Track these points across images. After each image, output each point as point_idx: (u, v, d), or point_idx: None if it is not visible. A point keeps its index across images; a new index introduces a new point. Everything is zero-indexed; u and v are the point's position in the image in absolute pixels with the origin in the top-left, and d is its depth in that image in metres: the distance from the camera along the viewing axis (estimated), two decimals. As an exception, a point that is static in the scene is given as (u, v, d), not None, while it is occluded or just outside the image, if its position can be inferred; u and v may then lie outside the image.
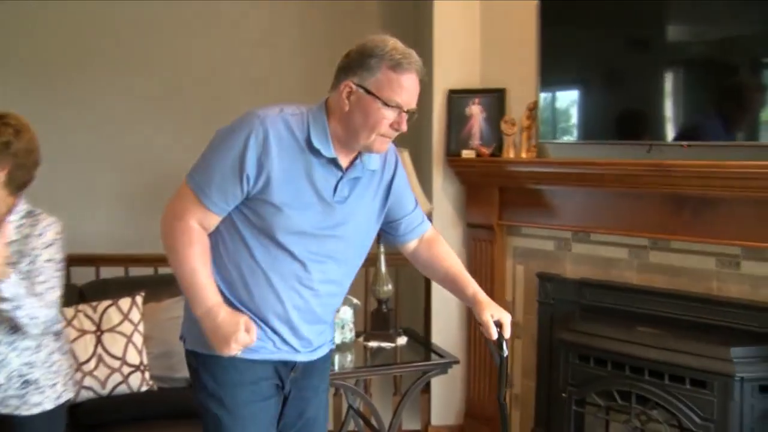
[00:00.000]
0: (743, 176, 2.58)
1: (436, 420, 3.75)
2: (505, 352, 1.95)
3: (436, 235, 2.10)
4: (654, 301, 2.94)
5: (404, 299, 3.74)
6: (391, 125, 1.74)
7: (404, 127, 1.75)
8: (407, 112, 1.74)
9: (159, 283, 3.21)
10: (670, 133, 2.83)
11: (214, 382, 1.84)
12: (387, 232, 2.03)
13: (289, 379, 1.90)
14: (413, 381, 3.16)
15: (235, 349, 1.72)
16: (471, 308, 1.99)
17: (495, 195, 3.44)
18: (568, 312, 3.18)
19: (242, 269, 1.78)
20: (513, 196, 3.41)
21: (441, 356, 3.16)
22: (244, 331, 1.71)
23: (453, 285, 2.02)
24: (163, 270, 3.41)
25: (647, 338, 2.79)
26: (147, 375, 2.87)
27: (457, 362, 3.15)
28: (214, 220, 1.77)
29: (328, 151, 1.75)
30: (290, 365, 1.89)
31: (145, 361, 2.88)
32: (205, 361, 1.84)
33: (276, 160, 1.71)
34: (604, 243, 3.15)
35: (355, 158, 1.82)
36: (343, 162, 1.80)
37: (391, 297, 3.24)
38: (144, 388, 2.85)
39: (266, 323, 1.80)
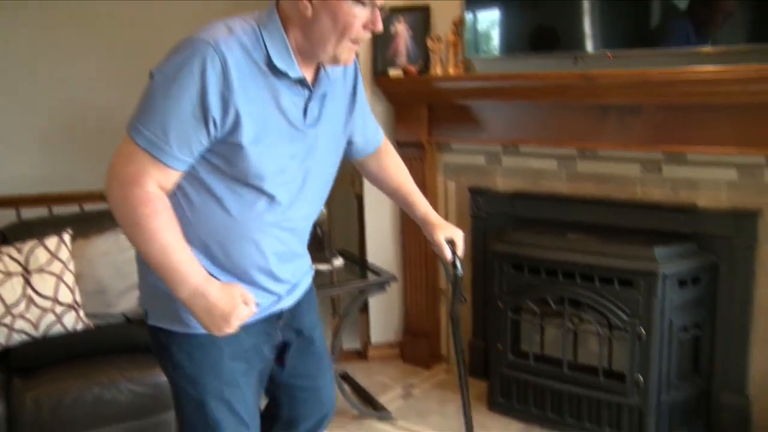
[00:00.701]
0: (665, 83, 2.65)
1: (375, 338, 3.83)
2: (460, 271, 1.92)
3: (387, 146, 1.98)
4: (583, 209, 3.05)
5: (338, 221, 3.75)
6: (364, 26, 1.50)
7: (379, 26, 1.52)
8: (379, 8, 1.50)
9: (86, 220, 3.12)
10: (594, 43, 2.86)
11: (191, 363, 1.65)
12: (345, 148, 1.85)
13: (278, 329, 1.77)
14: (351, 301, 3.21)
15: (236, 327, 1.51)
16: (422, 228, 1.94)
17: (424, 112, 3.44)
18: (500, 225, 3.26)
19: (214, 225, 1.56)
20: (442, 113, 3.41)
21: (378, 275, 3.20)
22: (243, 304, 1.50)
23: (404, 202, 1.97)
24: (89, 207, 3.32)
25: (577, 244, 2.89)
26: (81, 313, 2.81)
27: (394, 279, 3.20)
28: (175, 178, 1.49)
29: (295, 71, 1.52)
30: (275, 316, 1.75)
31: (79, 300, 2.81)
32: (178, 339, 1.65)
33: (240, 93, 1.44)
34: (533, 155, 3.21)
35: (318, 70, 1.60)
36: (309, 78, 1.57)
37: (324, 220, 3.24)
38: (80, 327, 2.79)
39: (248, 280, 1.62)
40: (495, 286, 3.09)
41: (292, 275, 1.74)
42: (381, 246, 3.70)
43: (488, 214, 3.35)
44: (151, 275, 1.59)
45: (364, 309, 3.79)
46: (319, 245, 3.20)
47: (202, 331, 1.60)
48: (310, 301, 1.89)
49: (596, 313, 2.80)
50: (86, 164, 3.51)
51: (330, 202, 3.50)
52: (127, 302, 2.89)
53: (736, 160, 2.69)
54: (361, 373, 3.58)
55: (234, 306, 1.48)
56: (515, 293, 3.01)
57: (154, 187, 1.45)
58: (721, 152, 2.68)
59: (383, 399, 3.31)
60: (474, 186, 3.39)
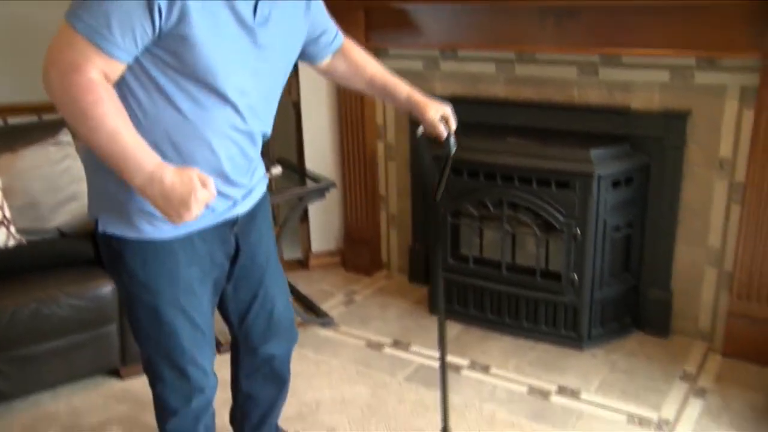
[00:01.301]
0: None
1: (316, 247, 3.84)
2: (453, 149, 1.90)
3: (350, 44, 1.93)
4: (521, 113, 3.07)
5: (275, 130, 3.66)
6: None
7: None
8: None
9: (11, 133, 2.99)
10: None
11: (145, 271, 1.63)
12: (304, 52, 1.81)
13: (232, 235, 1.75)
14: (291, 209, 3.20)
15: (196, 212, 1.41)
16: (409, 111, 1.90)
17: (360, 17, 3.35)
18: (439, 130, 3.25)
19: (166, 126, 1.49)
20: (379, 18, 3.33)
21: (317, 181, 3.19)
22: (201, 187, 1.40)
23: (382, 91, 1.92)
24: (13, 120, 3.17)
25: (516, 148, 2.92)
26: (13, 229, 2.72)
27: (333, 186, 3.19)
28: (118, 70, 1.41)
29: None
30: (231, 222, 1.73)
31: (8, 215, 2.72)
32: (131, 246, 1.61)
33: None
34: (472, 59, 3.19)
35: None
36: None
37: (262, 128, 3.18)
38: (11, 243, 2.71)
39: None
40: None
41: (247, 180, 1.71)
42: (319, 153, 3.67)
43: (427, 120, 3.34)
44: (101, 179, 1.56)
45: (305, 218, 3.79)
46: (256, 154, 3.16)
47: (156, 236, 1.59)
48: (264, 212, 1.87)
49: (534, 214, 2.87)
50: (7, 76, 3.34)
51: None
52: (62, 216, 2.80)
53: (668, 62, 2.73)
54: (303, 282, 3.61)
55: (192, 188, 1.38)
56: (454, 197, 3.05)
57: (97, 74, 1.37)
58: (655, 54, 2.71)
59: (325, 306, 3.36)
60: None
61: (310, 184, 3.20)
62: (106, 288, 2.57)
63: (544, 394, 2.62)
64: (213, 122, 1.53)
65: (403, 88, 1.88)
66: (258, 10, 1.52)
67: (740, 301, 2.74)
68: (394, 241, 3.72)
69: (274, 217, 3.69)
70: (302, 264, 3.87)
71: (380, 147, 3.60)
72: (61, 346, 2.54)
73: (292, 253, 3.89)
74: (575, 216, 2.77)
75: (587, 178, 2.71)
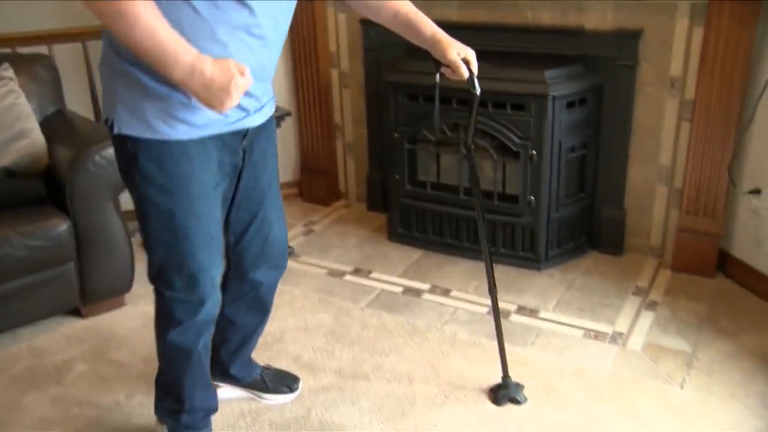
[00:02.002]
0: None
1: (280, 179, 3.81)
2: (478, 90, 1.86)
3: None
4: (475, 36, 3.03)
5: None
6: None
7: None
8: None
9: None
10: None
11: (161, 173, 1.62)
12: None
13: (241, 148, 1.75)
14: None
15: (236, 99, 1.44)
16: (430, 50, 1.84)
17: (309, -60, 3.26)
18: (393, 55, 3.22)
19: (181, 25, 1.46)
20: (328, -60, 3.24)
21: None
22: (239, 74, 1.43)
23: (406, 26, 1.85)
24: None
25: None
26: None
27: (288, 114, 3.16)
28: None
29: None
30: (242, 133, 1.73)
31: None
32: (147, 147, 1.60)
33: None
34: (424, -18, 3.13)
35: None
36: None
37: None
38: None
39: None
40: (390, 117, 3.10)
41: (260, 92, 1.70)
42: (273, 82, 3.59)
43: (381, 45, 3.30)
44: (119, 81, 1.57)
45: (260, 150, 3.74)
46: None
47: (172, 137, 1.59)
48: (270, 134, 1.87)
49: (490, 138, 2.88)
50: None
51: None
52: (9, 156, 2.72)
53: (622, -20, 2.73)
54: (261, 214, 3.59)
55: (231, 76, 1.41)
56: (411, 123, 3.04)
57: None
58: (607, -27, 2.71)
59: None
60: (365, 17, 3.29)
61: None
62: (62, 226, 2.52)
63: (504, 314, 2.68)
64: (228, 23, 1.50)
65: (429, 26, 1.83)
66: None
67: (688, 217, 2.82)
68: (351, 170, 3.71)
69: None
70: (260, 196, 3.84)
71: (334, 74, 3.55)
72: (18, 287, 2.50)
73: (249, 185, 3.86)
74: (531, 138, 2.79)
75: (542, 99, 2.73)
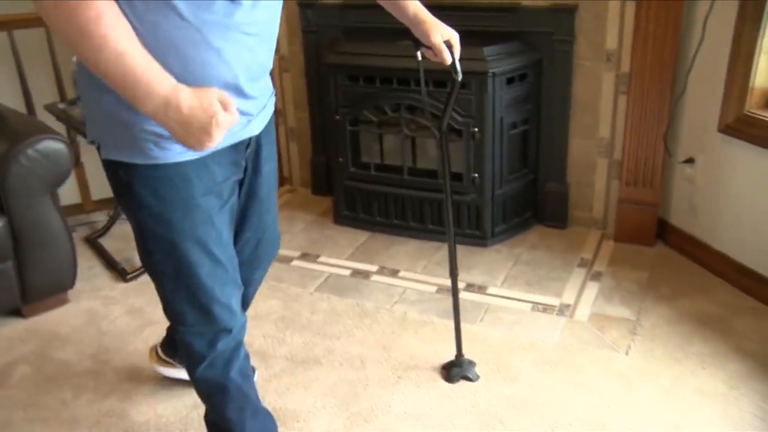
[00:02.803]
0: None
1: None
2: (460, 75, 1.81)
3: None
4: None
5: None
6: None
7: None
8: None
9: None
10: None
11: (158, 201, 1.45)
12: None
13: (244, 159, 1.59)
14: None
15: (218, 139, 1.24)
16: (411, 29, 1.77)
17: None
18: (332, 37, 3.19)
19: (167, 35, 1.28)
20: None
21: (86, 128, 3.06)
22: (223, 110, 1.23)
23: (390, 3, 1.77)
24: None
25: (410, 51, 2.87)
26: None
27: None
28: None
29: None
30: (245, 142, 1.57)
31: None
32: (140, 173, 1.42)
33: None
34: (360, -38, 3.11)
35: None
36: None
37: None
38: None
39: None
40: (331, 99, 3.08)
41: (261, 92, 1.53)
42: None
43: (319, 27, 3.26)
44: (103, 99, 1.38)
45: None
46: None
47: (167, 160, 1.41)
48: (270, 131, 1.71)
49: (432, 116, 2.89)
50: None
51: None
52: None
53: (555, -45, 2.75)
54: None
55: (213, 112, 1.22)
56: (352, 104, 3.02)
57: None
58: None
59: (231, 224, 3.32)
60: (302, 0, 3.27)
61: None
62: (-4, 224, 2.44)
63: (452, 292, 2.72)
64: (219, 25, 1.33)
65: (413, 4, 1.76)
66: None
67: (628, 188, 2.88)
68: (294, 154, 3.68)
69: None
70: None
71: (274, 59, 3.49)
72: (-47, 289, 2.42)
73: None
74: (472, 115, 2.81)
75: (482, 76, 2.74)
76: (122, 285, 2.87)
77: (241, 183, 1.65)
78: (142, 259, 1.59)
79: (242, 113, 1.47)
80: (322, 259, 3.02)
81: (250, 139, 1.58)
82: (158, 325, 2.55)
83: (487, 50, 2.75)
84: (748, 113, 2.47)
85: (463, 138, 2.85)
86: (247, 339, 2.48)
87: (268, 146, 1.68)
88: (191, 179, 1.45)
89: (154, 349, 2.27)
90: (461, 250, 2.99)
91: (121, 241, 3.19)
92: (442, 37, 1.75)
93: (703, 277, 2.73)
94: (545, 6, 2.83)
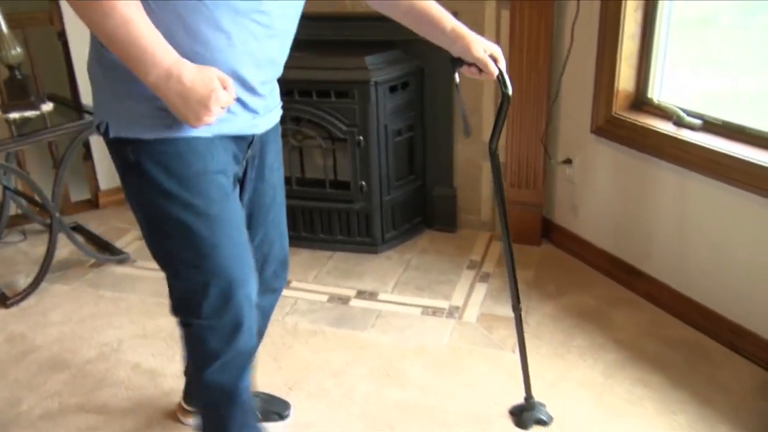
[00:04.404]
0: None
1: (105, 185, 3.66)
2: (509, 89, 1.67)
3: None
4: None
5: (41, 63, 3.40)
6: None
7: None
8: None
9: None
10: None
11: (170, 177, 1.38)
12: None
13: (244, 158, 1.54)
14: (70, 145, 3.00)
15: (215, 115, 1.28)
16: (449, 47, 1.65)
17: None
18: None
19: (178, 10, 1.28)
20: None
21: (93, 114, 3.00)
22: (221, 88, 1.27)
23: (423, 19, 1.64)
24: None
25: (292, 62, 2.85)
26: None
27: (111, 118, 3.03)
28: None
29: None
30: (248, 140, 1.52)
31: None
32: (150, 149, 1.37)
33: None
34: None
35: None
36: None
37: (22, 61, 2.93)
38: None
39: None
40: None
41: (268, 92, 1.51)
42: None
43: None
44: (111, 75, 1.35)
45: (88, 156, 3.58)
46: (21, 91, 2.92)
47: (178, 134, 1.37)
48: (276, 140, 1.67)
49: (318, 127, 2.90)
50: None
51: (26, 43, 3.17)
52: None
53: (431, -35, 2.81)
54: (95, 222, 3.45)
55: (212, 88, 1.25)
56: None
57: None
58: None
59: (120, 243, 3.24)
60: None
61: (87, 117, 3.02)
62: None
63: (344, 300, 2.72)
64: (231, 8, 1.31)
65: (449, 19, 1.64)
66: None
67: (513, 190, 2.97)
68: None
69: (54, 157, 3.47)
70: (93, 204, 3.68)
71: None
72: None
73: (81, 194, 3.69)
74: (357, 124, 2.83)
75: (364, 85, 2.77)
76: (2, 311, 2.75)
77: (242, 189, 1.59)
78: (152, 247, 1.51)
79: (247, 108, 1.45)
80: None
81: (253, 137, 1.53)
82: (41, 352, 2.47)
83: (369, 59, 2.79)
84: (615, 115, 2.58)
85: (348, 147, 2.87)
86: (135, 359, 2.44)
87: (273, 154, 1.65)
88: (203, 154, 1.40)
89: (179, 405, 2.13)
90: (353, 258, 3.01)
91: (1, 265, 3.08)
92: (486, 50, 1.63)
93: (585, 272, 2.84)
94: (425, 15, 2.88)
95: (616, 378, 2.24)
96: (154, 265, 2.98)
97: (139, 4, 1.23)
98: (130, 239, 3.30)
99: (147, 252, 3.17)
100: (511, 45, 2.76)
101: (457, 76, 1.72)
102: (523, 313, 2.56)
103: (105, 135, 1.42)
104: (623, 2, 2.45)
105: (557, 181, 2.97)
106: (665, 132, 2.44)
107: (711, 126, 2.37)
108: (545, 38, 2.70)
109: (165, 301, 2.73)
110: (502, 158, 3.00)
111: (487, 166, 3.04)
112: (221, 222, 1.44)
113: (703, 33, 2.65)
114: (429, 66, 2.94)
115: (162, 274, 2.93)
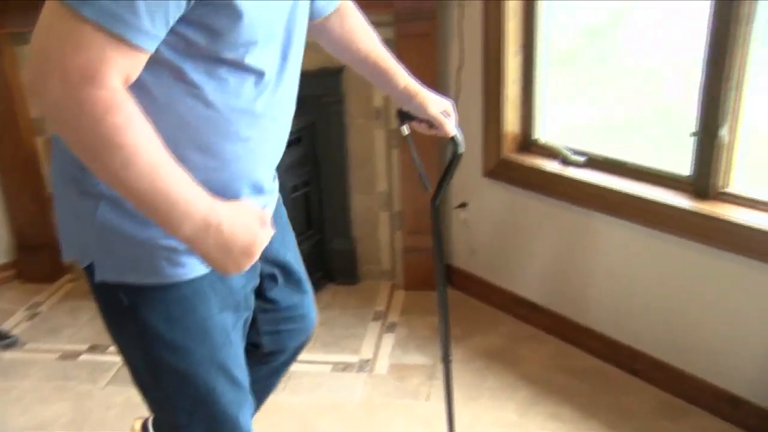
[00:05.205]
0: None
1: (-16, 263, 3.45)
2: (462, 147, 1.64)
3: (351, 7, 1.56)
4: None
5: None
6: None
7: None
8: None
9: None
10: None
11: (171, 326, 1.23)
12: None
13: (260, 259, 1.37)
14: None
15: (256, 258, 1.12)
16: (401, 103, 1.60)
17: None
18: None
19: (191, 126, 1.12)
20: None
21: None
22: (262, 227, 1.11)
23: (376, 72, 1.58)
24: None
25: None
26: None
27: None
28: (142, 64, 1.01)
29: None
30: None
31: None
32: (150, 296, 1.21)
33: None
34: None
35: None
36: None
37: None
38: None
39: (230, 197, 1.17)
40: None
41: (273, 183, 1.39)
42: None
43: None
44: (99, 210, 1.16)
45: (-37, 235, 3.37)
46: None
47: (182, 277, 1.21)
48: (280, 216, 1.54)
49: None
50: None
51: None
52: None
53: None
54: (-25, 305, 3.24)
55: (255, 233, 1.09)
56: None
57: (119, 83, 0.97)
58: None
59: (6, 326, 3.04)
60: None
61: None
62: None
63: (252, 363, 2.66)
64: (249, 112, 1.17)
65: (402, 76, 1.58)
66: None
67: (411, 237, 3.01)
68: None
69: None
70: (-29, 285, 3.46)
71: (39, 143, 3.29)
72: None
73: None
74: (252, 184, 2.80)
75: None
76: None
77: (262, 281, 1.45)
78: (146, 396, 1.36)
79: (259, 192, 1.31)
80: (112, 349, 2.84)
81: None
82: None
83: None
84: (505, 158, 2.68)
85: (245, 207, 2.83)
86: (26, 454, 2.28)
87: (281, 234, 1.49)
88: (208, 295, 1.25)
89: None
90: (258, 319, 2.95)
91: None
92: (440, 108, 1.60)
93: (488, 313, 2.90)
94: (313, 69, 2.89)
95: (529, 415, 2.28)
96: (48, 345, 2.89)
97: (157, 137, 1.02)
98: (17, 320, 3.11)
99: (38, 332, 3.04)
100: (398, 96, 2.82)
101: (405, 129, 1.69)
102: (433, 360, 2.59)
103: (88, 276, 1.24)
104: (504, 47, 2.56)
105: (454, 226, 3.03)
106: (552, 171, 2.55)
107: (594, 162, 2.49)
108: (431, 86, 2.76)
109: (63, 384, 2.61)
110: (397, 207, 3.04)
111: (384, 216, 3.07)
112: (224, 368, 1.32)
113: (570, 69, 2.80)
114: (321, 120, 2.96)
115: (55, 356, 2.79)
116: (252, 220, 1.10)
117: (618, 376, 2.45)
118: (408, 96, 1.58)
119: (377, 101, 2.91)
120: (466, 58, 2.71)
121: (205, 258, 1.09)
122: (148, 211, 1.03)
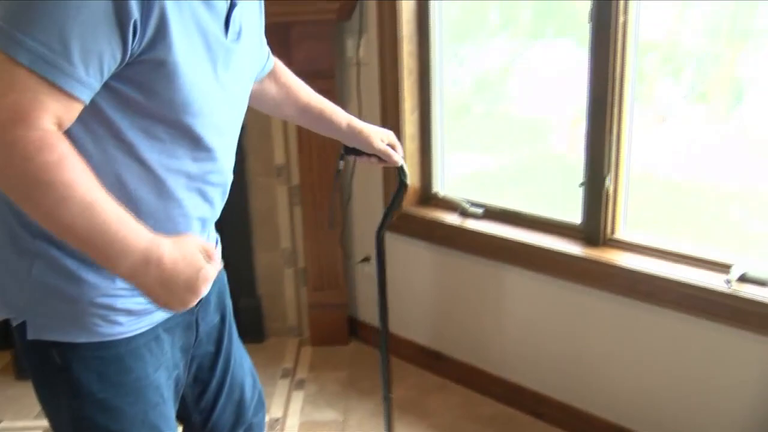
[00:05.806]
0: None
1: None
2: (408, 178, 1.72)
3: (281, 65, 1.58)
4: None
5: None
6: None
7: None
8: None
9: None
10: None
11: (104, 385, 1.18)
12: None
13: (194, 318, 1.35)
14: None
15: (203, 295, 1.06)
16: (347, 141, 1.62)
17: None
18: None
19: (125, 185, 1.10)
20: None
21: None
22: (207, 261, 1.06)
23: (317, 119, 1.59)
24: None
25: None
26: None
27: None
28: (75, 114, 1.00)
29: None
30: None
31: None
32: (82, 354, 1.16)
33: None
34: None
35: None
36: None
37: None
38: None
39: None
40: None
41: (212, 242, 1.37)
42: None
43: None
44: (34, 267, 1.12)
45: None
46: None
47: (116, 336, 1.17)
48: (221, 281, 1.51)
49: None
50: None
51: None
52: None
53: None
54: None
55: (199, 267, 1.04)
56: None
57: (52, 125, 0.96)
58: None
59: None
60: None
61: None
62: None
63: None
64: (184, 174, 1.16)
65: (343, 115, 1.61)
66: (230, 23, 1.16)
67: (316, 293, 3.01)
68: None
69: None
70: None
71: None
72: None
73: None
74: (152, 245, 2.74)
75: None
76: None
77: (195, 341, 1.39)
78: None
79: None
80: (5, 425, 2.68)
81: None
82: None
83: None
84: (405, 212, 2.74)
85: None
86: None
87: (222, 291, 1.51)
88: (143, 355, 1.22)
89: None
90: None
91: None
92: (384, 140, 1.64)
93: (396, 365, 2.90)
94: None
95: (442, 466, 2.30)
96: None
97: (93, 176, 1.00)
98: None
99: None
100: (300, 154, 2.85)
101: (341, 164, 1.74)
102: (343, 415, 2.59)
103: (19, 335, 1.19)
104: (401, 106, 2.65)
105: (358, 280, 3.06)
106: (452, 223, 2.63)
107: (491, 213, 2.59)
108: (332, 144, 2.82)
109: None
110: (301, 263, 3.04)
111: (288, 272, 3.07)
112: (154, 426, 1.27)
113: (464, 122, 2.93)
114: (221, 179, 2.95)
115: None
116: (194, 254, 1.06)
117: (523, 420, 2.51)
118: (353, 133, 1.62)
119: (279, 159, 2.93)
120: (366, 117, 2.77)
121: (149, 295, 1.06)
122: (85, 248, 1.01)
